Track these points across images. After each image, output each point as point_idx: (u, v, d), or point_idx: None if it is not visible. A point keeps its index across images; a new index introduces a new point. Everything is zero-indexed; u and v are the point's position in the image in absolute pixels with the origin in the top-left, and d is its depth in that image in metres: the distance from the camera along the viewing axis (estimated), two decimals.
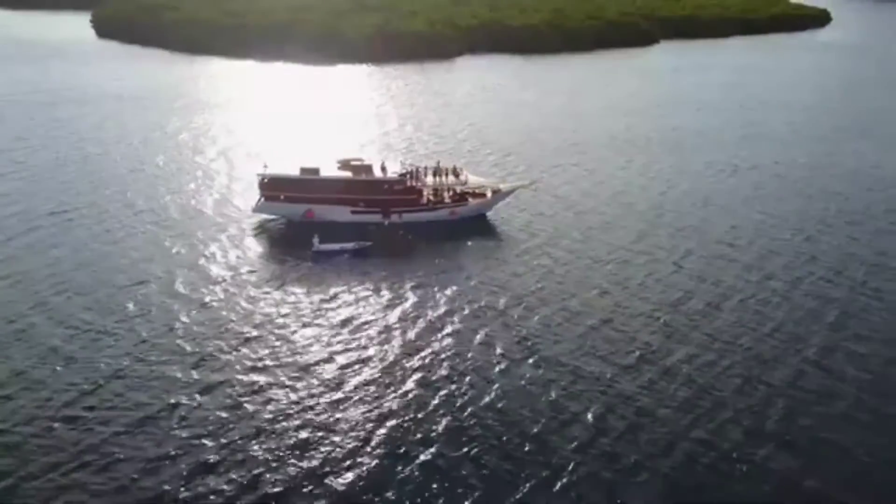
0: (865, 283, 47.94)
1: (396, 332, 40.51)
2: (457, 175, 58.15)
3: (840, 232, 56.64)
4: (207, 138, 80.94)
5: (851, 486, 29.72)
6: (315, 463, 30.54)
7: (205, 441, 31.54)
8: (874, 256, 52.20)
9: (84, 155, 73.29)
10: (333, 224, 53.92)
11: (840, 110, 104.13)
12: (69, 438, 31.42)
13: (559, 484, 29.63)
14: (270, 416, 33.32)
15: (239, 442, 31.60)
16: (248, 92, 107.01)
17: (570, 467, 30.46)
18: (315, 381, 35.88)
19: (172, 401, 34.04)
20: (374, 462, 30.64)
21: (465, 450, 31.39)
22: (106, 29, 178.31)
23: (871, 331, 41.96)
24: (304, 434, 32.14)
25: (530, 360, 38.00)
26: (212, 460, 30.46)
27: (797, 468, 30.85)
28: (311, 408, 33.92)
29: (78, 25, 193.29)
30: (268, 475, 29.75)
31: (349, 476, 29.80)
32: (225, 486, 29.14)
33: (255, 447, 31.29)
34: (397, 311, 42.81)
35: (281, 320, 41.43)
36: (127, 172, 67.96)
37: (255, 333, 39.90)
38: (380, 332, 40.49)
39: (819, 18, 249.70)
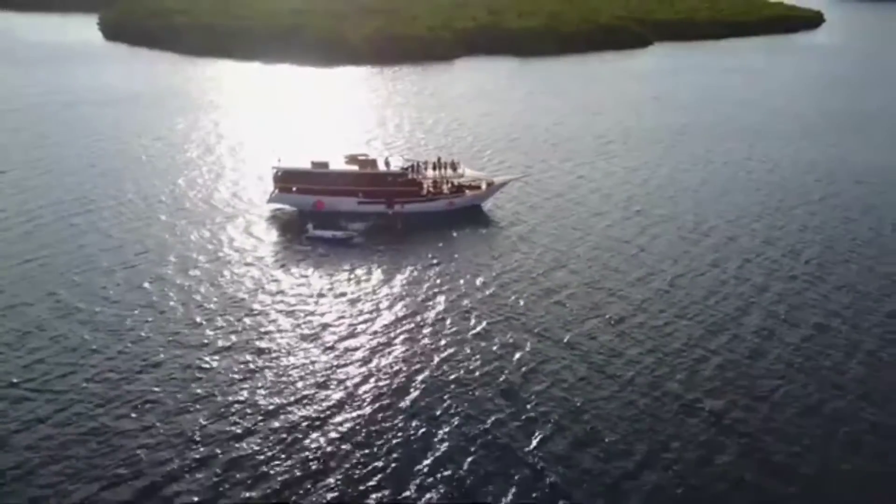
0: (811, 260, 53.09)
1: (396, 306, 45.40)
2: (454, 169, 63.26)
3: (796, 220, 61.78)
4: (220, 136, 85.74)
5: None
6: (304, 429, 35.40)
7: (221, 402, 36.39)
8: (825, 240, 57.23)
9: (104, 152, 78.05)
10: (341, 213, 58.88)
11: (818, 109, 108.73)
12: (89, 406, 36.18)
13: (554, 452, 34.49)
14: (275, 377, 38.18)
15: (252, 399, 36.47)
16: (256, 93, 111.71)
17: (548, 424, 35.34)
18: (314, 347, 40.74)
19: (187, 362, 38.92)
20: (368, 427, 35.50)
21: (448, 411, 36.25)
22: (113, 32, 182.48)
23: (814, 305, 46.89)
24: (307, 389, 37.03)
25: (516, 330, 42.85)
26: (216, 422, 35.31)
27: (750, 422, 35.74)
28: (307, 368, 38.78)
29: (85, 28, 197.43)
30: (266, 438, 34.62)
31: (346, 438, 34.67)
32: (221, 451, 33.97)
33: (267, 403, 36.16)
34: (399, 287, 47.75)
35: (291, 298, 46.20)
36: (145, 167, 72.79)
37: (263, 307, 44.74)
38: (381, 306, 45.35)
39: (812, 20, 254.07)
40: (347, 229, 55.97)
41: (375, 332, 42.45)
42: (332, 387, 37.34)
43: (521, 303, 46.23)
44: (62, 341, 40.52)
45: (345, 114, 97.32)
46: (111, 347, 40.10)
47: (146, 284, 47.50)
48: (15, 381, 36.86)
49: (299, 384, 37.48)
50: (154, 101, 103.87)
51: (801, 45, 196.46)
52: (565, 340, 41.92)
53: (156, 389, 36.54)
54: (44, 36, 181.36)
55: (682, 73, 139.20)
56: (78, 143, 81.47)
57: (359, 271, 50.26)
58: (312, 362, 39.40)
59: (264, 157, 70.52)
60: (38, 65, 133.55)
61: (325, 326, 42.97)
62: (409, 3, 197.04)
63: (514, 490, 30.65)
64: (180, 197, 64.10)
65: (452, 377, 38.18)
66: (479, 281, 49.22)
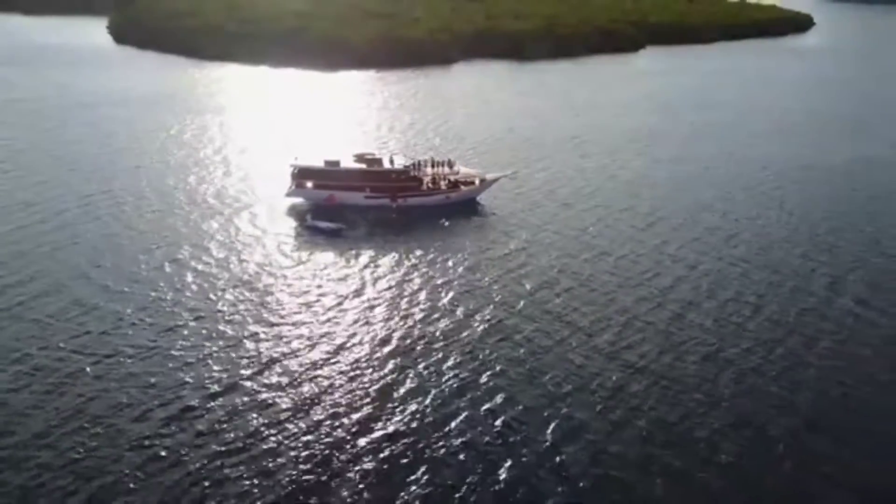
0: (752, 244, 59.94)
1: (394, 283, 51.96)
2: (451, 167, 69.98)
3: (757, 217, 68.61)
4: (235, 136, 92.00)
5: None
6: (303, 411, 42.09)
7: (242, 381, 43.10)
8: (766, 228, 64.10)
9: (123, 150, 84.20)
10: (351, 206, 65.61)
11: (792, 110, 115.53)
12: (107, 385, 42.67)
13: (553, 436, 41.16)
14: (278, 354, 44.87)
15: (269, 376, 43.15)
16: (265, 95, 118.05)
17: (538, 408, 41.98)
18: (316, 321, 47.44)
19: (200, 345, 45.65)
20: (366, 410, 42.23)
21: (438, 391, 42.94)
22: (123, 35, 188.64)
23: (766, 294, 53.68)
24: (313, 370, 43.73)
25: (503, 305, 49.48)
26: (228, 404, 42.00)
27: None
28: (302, 341, 45.50)
29: (94, 31, 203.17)
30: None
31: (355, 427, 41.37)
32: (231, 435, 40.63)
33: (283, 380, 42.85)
34: (399, 268, 54.35)
35: (304, 282, 52.80)
36: (163, 165, 79.10)
37: (277, 290, 51.23)
38: (381, 284, 51.92)
39: (801, 24, 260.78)
40: (339, 222, 62.20)
41: (376, 306, 48.99)
42: (328, 353, 43.97)
43: (509, 282, 52.73)
44: (98, 314, 47.10)
45: (350, 116, 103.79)
46: (138, 317, 46.66)
47: (170, 265, 54.09)
48: (62, 345, 43.50)
49: (295, 345, 44.14)
50: (168, 103, 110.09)
51: (788, 48, 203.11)
52: (548, 311, 48.53)
53: (183, 347, 43.27)
54: (55, 39, 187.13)
55: (670, 76, 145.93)
56: (98, 141, 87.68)
57: (365, 253, 57.01)
58: (317, 334, 46.05)
59: (278, 155, 77.03)
60: (54, 68, 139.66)
61: (331, 300, 49.48)
62: (409, 6, 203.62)
63: (508, 476, 34.75)
64: (201, 192, 70.46)
65: (436, 346, 44.82)
66: (474, 265, 55.69)
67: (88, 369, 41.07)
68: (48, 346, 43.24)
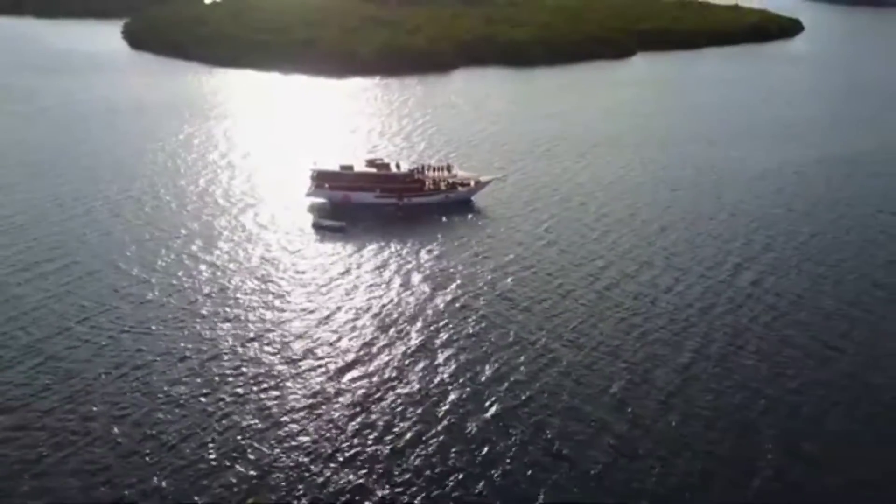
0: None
1: (396, 273, 61.95)
2: (449, 170, 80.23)
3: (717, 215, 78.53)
4: (250, 142, 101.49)
5: None
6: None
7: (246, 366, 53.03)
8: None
9: (147, 153, 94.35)
10: (363, 205, 75.49)
11: (761, 115, 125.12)
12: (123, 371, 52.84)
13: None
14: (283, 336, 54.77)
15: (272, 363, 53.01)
16: (278, 102, 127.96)
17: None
18: (324, 304, 57.33)
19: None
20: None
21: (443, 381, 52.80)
22: (139, 41, 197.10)
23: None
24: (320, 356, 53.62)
25: (496, 297, 59.35)
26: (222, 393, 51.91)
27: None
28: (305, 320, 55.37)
29: (109, 36, 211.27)
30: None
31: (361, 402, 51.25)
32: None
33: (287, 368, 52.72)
34: (404, 261, 64.32)
35: (318, 272, 62.82)
36: (189, 167, 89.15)
37: (289, 277, 61.30)
38: (386, 275, 61.89)
39: (790, 29, 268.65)
40: (343, 221, 71.41)
41: (381, 291, 58.98)
42: (332, 344, 53.86)
43: (502, 274, 62.43)
44: (127, 295, 57.34)
45: (357, 123, 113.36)
46: (162, 298, 57.15)
47: (189, 257, 64.19)
48: (101, 320, 53.77)
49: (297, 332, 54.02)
50: (186, 110, 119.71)
51: (775, 55, 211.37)
52: (535, 302, 58.37)
53: (200, 325, 53.26)
54: (72, 44, 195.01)
55: (657, 83, 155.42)
56: (122, 147, 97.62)
57: (371, 245, 67.03)
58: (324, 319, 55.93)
59: (293, 160, 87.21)
60: (75, 75, 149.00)
61: (341, 285, 59.52)
62: (410, 13, 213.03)
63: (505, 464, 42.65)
64: (218, 194, 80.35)
65: (432, 335, 54.72)
66: (470, 257, 65.50)
67: (124, 336, 51.75)
68: (89, 319, 53.80)
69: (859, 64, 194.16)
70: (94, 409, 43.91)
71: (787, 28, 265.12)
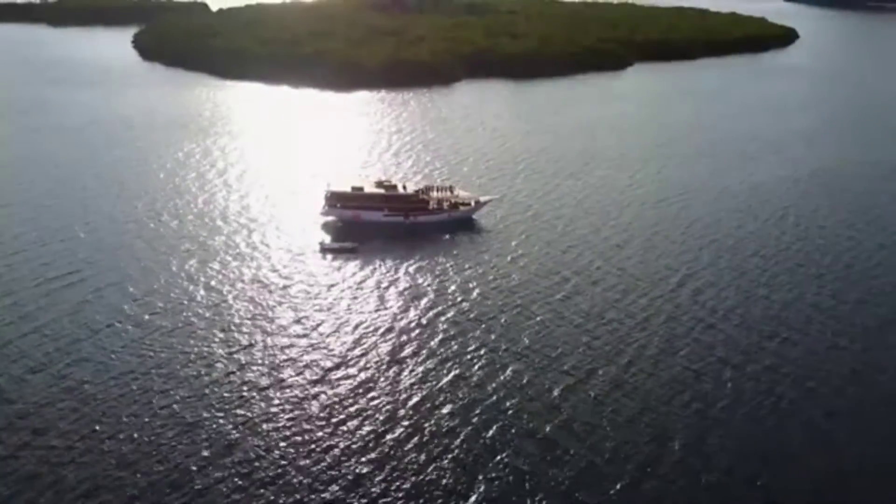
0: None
1: (403, 288, 68.02)
2: (451, 191, 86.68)
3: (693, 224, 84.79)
4: (261, 159, 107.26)
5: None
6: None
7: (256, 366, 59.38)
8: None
9: (167, 169, 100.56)
10: (372, 223, 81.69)
11: (741, 129, 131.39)
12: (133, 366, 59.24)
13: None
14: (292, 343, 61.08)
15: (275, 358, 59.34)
16: (287, 117, 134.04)
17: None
18: (331, 319, 63.61)
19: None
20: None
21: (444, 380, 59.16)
22: (149, 52, 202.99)
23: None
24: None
25: (500, 309, 65.40)
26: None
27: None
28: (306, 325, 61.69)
29: (120, 45, 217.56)
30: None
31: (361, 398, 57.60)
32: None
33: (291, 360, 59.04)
34: (410, 277, 70.45)
35: (326, 287, 68.75)
36: (202, 186, 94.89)
37: (307, 298, 67.30)
38: (397, 292, 67.92)
39: (785, 38, 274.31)
40: (355, 242, 76.82)
41: (390, 304, 65.11)
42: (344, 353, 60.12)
43: (503, 287, 68.45)
44: (147, 304, 63.97)
45: (363, 140, 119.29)
46: (175, 299, 63.31)
47: (203, 272, 70.31)
48: (123, 323, 60.01)
49: (305, 347, 60.21)
50: (199, 126, 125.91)
51: (769, 65, 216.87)
52: (536, 312, 64.43)
53: (210, 321, 59.59)
54: (84, 53, 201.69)
55: (650, 96, 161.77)
56: (138, 162, 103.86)
57: (381, 263, 73.18)
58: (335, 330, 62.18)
59: (306, 179, 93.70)
60: (88, 88, 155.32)
61: (349, 301, 65.75)
62: (413, 24, 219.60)
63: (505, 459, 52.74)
64: (233, 210, 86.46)
65: (439, 343, 60.98)
66: (471, 272, 71.63)
67: (145, 338, 58.75)
68: (112, 324, 60.66)
69: (850, 74, 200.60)
70: (100, 424, 48.68)
71: (781, 37, 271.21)
